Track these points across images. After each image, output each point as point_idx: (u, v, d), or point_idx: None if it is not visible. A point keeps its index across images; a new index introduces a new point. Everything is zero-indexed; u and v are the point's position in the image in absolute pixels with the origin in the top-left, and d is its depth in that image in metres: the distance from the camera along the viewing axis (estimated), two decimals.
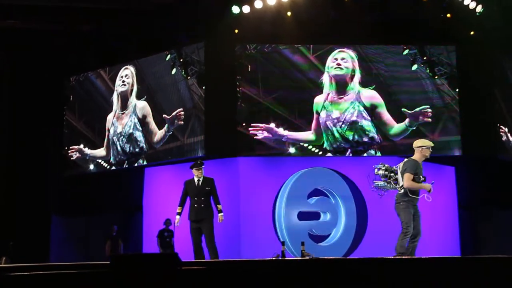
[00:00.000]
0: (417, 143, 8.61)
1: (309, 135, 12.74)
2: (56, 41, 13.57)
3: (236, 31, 12.68)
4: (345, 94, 12.81)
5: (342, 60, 12.89)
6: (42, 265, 5.92)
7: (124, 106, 13.78)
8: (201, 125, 12.79)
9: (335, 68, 12.87)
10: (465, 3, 12.35)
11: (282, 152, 12.68)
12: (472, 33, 12.96)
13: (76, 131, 14.53)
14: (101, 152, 14.09)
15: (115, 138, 13.75)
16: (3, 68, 14.01)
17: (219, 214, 9.87)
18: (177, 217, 9.92)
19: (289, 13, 12.50)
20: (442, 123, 12.93)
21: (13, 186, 13.46)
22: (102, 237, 13.77)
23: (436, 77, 12.99)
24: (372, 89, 12.85)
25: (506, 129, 13.52)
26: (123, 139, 13.59)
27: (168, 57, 13.41)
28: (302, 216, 12.45)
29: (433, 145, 8.68)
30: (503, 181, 14.14)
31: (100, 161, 14.09)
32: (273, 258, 8.60)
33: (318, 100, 12.83)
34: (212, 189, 9.91)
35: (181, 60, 13.14)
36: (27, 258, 10.63)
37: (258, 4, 12.23)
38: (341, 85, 12.86)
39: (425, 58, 13.01)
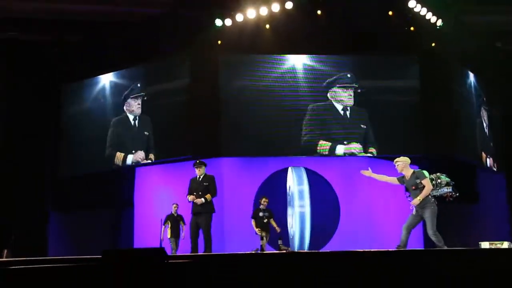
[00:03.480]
0: None
1: None
2: (49, 51, 13.49)
3: (219, 42, 12.71)
4: None
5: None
6: (40, 259, 5.89)
7: None
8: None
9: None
10: (427, 17, 12.43)
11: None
12: (433, 44, 13.06)
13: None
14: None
15: None
16: (2, 75, 13.88)
17: (200, 198, 10.10)
18: (196, 199, 10.22)
19: (267, 26, 12.55)
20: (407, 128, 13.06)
21: (13, 186, 13.32)
22: (96, 232, 13.66)
23: None
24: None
25: None
26: None
27: None
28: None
29: (394, 162, 9.47)
30: (460, 179, 14.30)
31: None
32: (253, 252, 8.63)
33: None
34: (209, 184, 10.14)
35: None
36: (27, 251, 10.54)
37: (239, 18, 12.25)
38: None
39: None
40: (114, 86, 13.83)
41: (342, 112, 13.00)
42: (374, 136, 12.96)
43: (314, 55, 13.07)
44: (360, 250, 7.35)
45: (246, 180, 12.57)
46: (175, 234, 11.68)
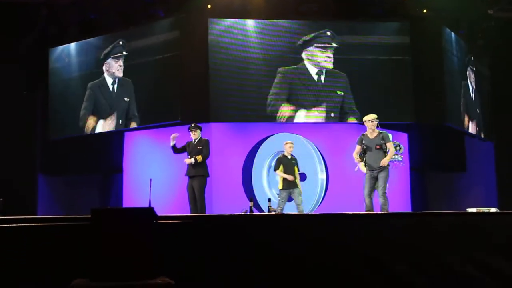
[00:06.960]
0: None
1: None
2: (38, 12, 13.30)
3: (209, 6, 12.61)
4: None
5: None
6: (28, 218, 5.88)
7: None
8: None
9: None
10: None
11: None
12: (424, 11, 13.04)
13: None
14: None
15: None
16: None
17: (191, 158, 10.29)
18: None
19: None
20: (396, 94, 13.01)
21: (2, 148, 13.21)
22: (85, 195, 13.66)
23: None
24: None
25: None
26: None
27: None
28: None
29: (370, 118, 9.51)
30: (449, 146, 14.41)
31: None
32: (242, 213, 8.66)
33: None
34: (203, 147, 10.21)
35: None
36: (16, 214, 10.50)
37: None
38: None
39: None
40: (102, 50, 13.68)
41: (315, 77, 12.83)
42: (355, 104, 12.75)
43: (303, 21, 12.98)
44: (348, 212, 7.41)
45: (235, 145, 12.62)
46: (290, 182, 10.61)
